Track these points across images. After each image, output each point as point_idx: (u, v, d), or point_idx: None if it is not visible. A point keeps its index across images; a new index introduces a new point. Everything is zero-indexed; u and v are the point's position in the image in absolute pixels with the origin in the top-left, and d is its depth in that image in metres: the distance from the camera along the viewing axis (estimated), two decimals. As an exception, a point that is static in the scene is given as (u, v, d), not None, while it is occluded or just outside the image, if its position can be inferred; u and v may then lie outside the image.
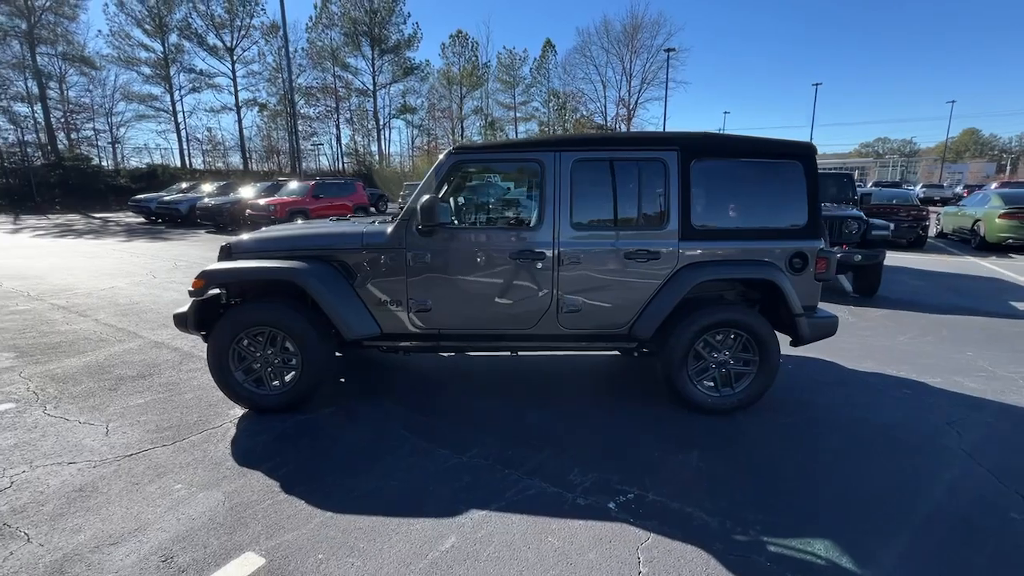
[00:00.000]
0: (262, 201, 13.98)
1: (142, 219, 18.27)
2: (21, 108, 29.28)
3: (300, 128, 42.95)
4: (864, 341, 4.82)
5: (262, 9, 35.38)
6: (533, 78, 47.68)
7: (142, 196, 19.01)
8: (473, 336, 3.22)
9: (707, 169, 3.11)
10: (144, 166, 32.18)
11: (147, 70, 33.31)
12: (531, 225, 3.13)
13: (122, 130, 35.17)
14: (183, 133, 36.02)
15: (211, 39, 34.31)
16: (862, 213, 7.16)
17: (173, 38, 33.41)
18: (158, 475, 2.47)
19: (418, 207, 2.97)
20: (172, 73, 33.88)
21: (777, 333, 3.18)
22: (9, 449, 2.70)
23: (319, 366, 3.10)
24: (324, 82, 41.69)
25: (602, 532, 2.10)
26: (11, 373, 3.79)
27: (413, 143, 47.38)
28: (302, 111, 43.04)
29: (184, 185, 20.83)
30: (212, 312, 3.19)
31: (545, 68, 47.39)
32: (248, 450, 2.73)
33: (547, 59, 46.99)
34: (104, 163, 32.59)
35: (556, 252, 3.07)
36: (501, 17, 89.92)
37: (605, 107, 45.43)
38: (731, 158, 3.16)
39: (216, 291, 3.19)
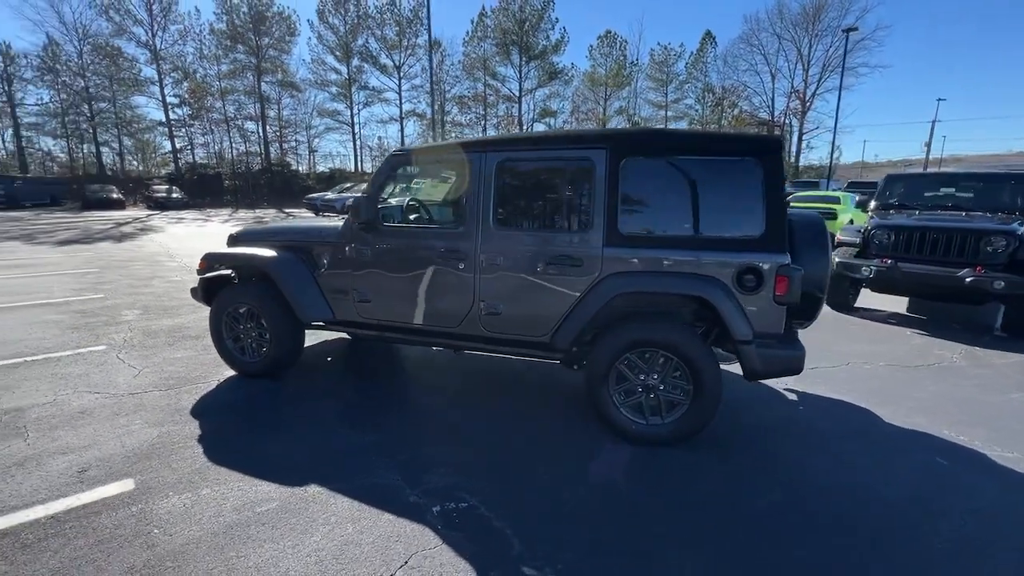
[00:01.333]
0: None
1: (311, 214, 22.02)
2: (250, 125, 37.51)
3: (452, 133, 46.75)
4: (951, 391, 3.74)
5: (424, 28, 39.48)
6: (688, 73, 44.97)
7: (313, 195, 22.95)
8: (406, 330, 3.39)
9: (641, 169, 2.79)
10: (327, 170, 38.71)
11: (334, 89, 39.74)
12: (456, 226, 3.17)
13: (316, 140, 42.73)
14: (358, 142, 42.18)
15: (383, 59, 39.51)
16: (1021, 227, 5.41)
17: (355, 61, 39.29)
18: (135, 411, 3.16)
19: (352, 205, 3.25)
20: (353, 91, 39.86)
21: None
22: (73, 376, 3.70)
23: (284, 341, 3.58)
24: (475, 91, 44.80)
25: (399, 530, 2.11)
26: (125, 325, 5.08)
27: (554, 146, 48.14)
28: (455, 118, 46.88)
29: (347, 185, 24.56)
30: (220, 288, 3.88)
31: (702, 62, 44.41)
32: (207, 404, 3.31)
33: (705, 52, 43.99)
34: (300, 168, 39.97)
35: (478, 254, 3.06)
36: (656, 13, 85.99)
37: (772, 100, 40.80)
38: (671, 156, 2.78)
39: (226, 271, 3.87)
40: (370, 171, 43.96)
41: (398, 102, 41.04)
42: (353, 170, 40.67)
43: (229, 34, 35.21)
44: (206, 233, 14.86)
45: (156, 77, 33.89)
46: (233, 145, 36.84)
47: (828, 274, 2.94)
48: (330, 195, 21.83)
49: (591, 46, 44.35)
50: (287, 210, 26.06)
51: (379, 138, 51.91)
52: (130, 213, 23.94)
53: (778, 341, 2.68)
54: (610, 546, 2.05)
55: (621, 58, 44.54)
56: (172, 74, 34.69)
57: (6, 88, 32.77)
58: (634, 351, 2.79)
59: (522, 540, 2.07)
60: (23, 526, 2.09)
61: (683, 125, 45.93)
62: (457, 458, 2.70)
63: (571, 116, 46.70)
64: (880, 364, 4.31)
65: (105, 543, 2.00)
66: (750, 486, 2.49)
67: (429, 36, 23.73)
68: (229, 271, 3.86)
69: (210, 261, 3.72)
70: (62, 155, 36.14)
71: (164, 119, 34.85)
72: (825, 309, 4.28)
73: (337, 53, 38.82)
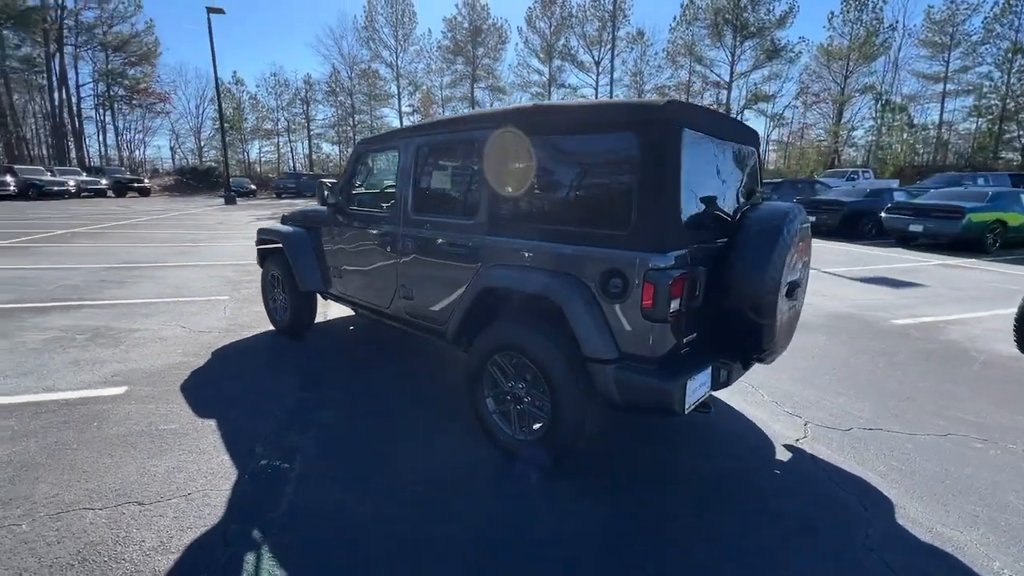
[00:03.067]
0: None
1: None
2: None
3: None
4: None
5: (626, 19, 38.72)
6: (987, 31, 33.90)
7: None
8: (364, 307, 3.67)
9: (522, 149, 2.47)
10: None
11: (535, 90, 42.21)
12: (391, 211, 3.28)
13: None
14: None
15: (580, 55, 40.27)
16: None
17: (556, 62, 41.00)
18: (188, 343, 4.20)
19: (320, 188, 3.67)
20: (552, 91, 41.73)
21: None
22: (186, 314, 5.06)
23: (300, 306, 4.26)
24: (678, 80, 42.11)
25: (184, 482, 2.44)
26: (255, 284, 6.62)
27: (768, 137, 42.18)
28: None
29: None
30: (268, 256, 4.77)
31: (1011, 13, 33.01)
32: (233, 346, 4.19)
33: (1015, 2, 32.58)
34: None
35: (399, 239, 3.15)
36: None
37: None
38: (553, 134, 2.38)
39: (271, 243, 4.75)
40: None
41: (594, 97, 41.34)
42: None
43: (452, 49, 40.60)
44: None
45: (396, 91, 41.40)
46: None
47: (771, 290, 2.15)
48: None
49: (831, 13, 37.06)
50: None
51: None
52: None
53: (657, 367, 2.09)
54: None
55: (875, 23, 36.09)
56: (407, 88, 41.88)
57: (305, 108, 44.19)
58: (502, 354, 2.53)
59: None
60: (52, 402, 3.09)
61: (969, 102, 35.20)
62: (328, 426, 2.89)
63: (796, 99, 40.19)
64: (994, 444, 2.85)
65: (74, 422, 2.83)
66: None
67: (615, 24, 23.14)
68: (273, 243, 4.74)
69: (260, 234, 4.64)
70: (336, 157, 47.20)
71: (399, 126, 42.45)
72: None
73: (540, 55, 41.12)
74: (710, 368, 2.19)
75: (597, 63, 40.25)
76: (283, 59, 75.41)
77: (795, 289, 2.37)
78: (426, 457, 2.61)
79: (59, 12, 34.06)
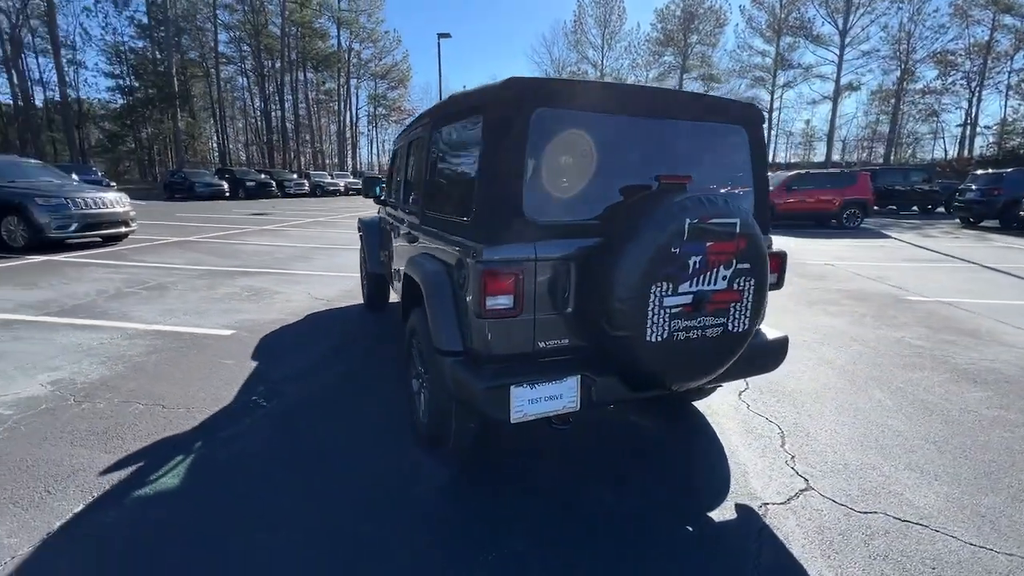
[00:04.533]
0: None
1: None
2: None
3: (920, 106, 35.99)
4: None
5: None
6: None
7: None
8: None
9: (445, 141, 2.48)
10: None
11: (756, 74, 37.39)
12: (392, 199, 3.62)
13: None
14: (774, 131, 38.49)
15: (817, 28, 33.97)
16: None
17: (786, 38, 35.50)
18: (301, 306, 5.30)
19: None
20: (776, 74, 36.41)
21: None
22: (319, 285, 6.33)
23: (370, 285, 4.97)
24: (972, 39, 32.18)
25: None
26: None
27: None
28: (929, 84, 35.51)
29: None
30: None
31: None
32: (327, 313, 5.13)
33: None
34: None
35: (401, 226, 3.44)
36: None
37: None
38: (445, 126, 2.44)
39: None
40: (782, 160, 39.51)
41: (835, 75, 34.53)
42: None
43: (661, 40, 38.90)
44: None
45: (601, 90, 41.83)
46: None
47: (623, 296, 1.74)
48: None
49: None
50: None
51: (807, 121, 45.41)
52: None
53: (484, 367, 1.92)
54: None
55: None
56: (612, 85, 41.88)
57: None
58: (416, 337, 2.60)
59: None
60: (186, 334, 4.36)
61: None
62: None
63: None
64: None
65: (184, 348, 3.97)
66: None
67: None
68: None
69: (358, 223, 5.52)
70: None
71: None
72: None
73: (766, 33, 36.23)
74: (575, 380, 1.88)
75: (843, 33, 33.36)
76: (504, 69, 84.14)
77: (702, 302, 1.81)
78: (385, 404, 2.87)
79: (348, 53, 44.60)
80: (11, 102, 34.07)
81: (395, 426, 2.78)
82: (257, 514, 2.05)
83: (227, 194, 23.28)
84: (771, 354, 2.29)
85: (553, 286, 1.88)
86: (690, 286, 1.78)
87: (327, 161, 50.06)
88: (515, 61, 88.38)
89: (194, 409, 2.94)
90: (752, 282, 1.88)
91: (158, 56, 36.18)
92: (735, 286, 1.86)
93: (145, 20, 35.78)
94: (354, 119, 48.73)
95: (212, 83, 40.06)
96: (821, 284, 6.77)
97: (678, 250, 1.73)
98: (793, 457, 2.50)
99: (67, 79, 32.94)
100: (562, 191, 1.96)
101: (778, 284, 2.35)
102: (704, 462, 2.49)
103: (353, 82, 47.11)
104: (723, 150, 2.26)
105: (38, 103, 36.48)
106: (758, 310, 1.94)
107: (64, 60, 32.52)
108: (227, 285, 6.22)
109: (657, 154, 2.11)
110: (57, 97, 33.88)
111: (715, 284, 1.82)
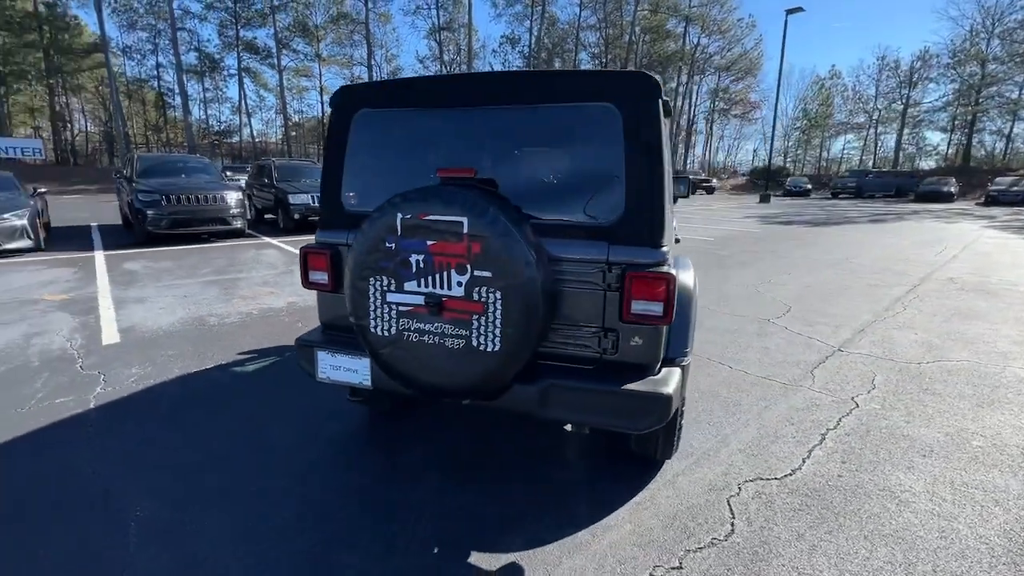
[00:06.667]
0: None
1: None
2: None
3: None
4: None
5: None
6: None
7: None
8: None
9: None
10: None
11: None
12: None
13: None
14: None
15: None
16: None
17: None
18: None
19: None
20: None
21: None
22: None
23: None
24: None
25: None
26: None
27: None
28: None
29: None
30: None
31: None
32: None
33: None
34: None
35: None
36: None
37: None
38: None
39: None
40: None
41: None
42: None
43: None
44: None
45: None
46: None
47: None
48: None
49: None
50: None
51: None
52: (959, 206, 21.82)
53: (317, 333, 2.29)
54: None
55: None
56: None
57: (905, 91, 35.51)
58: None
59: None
60: (269, 308, 4.64)
61: None
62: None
63: None
64: None
65: (254, 321, 4.24)
66: None
67: None
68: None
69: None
70: (943, 147, 35.92)
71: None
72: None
73: None
74: (369, 361, 1.94)
75: None
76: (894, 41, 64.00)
77: (436, 306, 1.69)
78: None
79: (695, 49, 42.62)
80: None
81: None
82: None
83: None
84: (628, 406, 1.75)
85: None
86: (418, 286, 1.73)
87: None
88: (910, 30, 66.29)
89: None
90: (498, 295, 1.64)
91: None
92: (475, 296, 1.68)
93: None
94: (691, 118, 46.62)
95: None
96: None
97: (393, 245, 1.72)
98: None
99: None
100: (372, 185, 2.12)
101: (664, 317, 1.72)
102: None
103: (696, 78, 44.92)
104: (583, 136, 1.92)
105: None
106: (524, 331, 1.65)
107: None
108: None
109: (477, 147, 2.06)
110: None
111: (448, 289, 1.70)
